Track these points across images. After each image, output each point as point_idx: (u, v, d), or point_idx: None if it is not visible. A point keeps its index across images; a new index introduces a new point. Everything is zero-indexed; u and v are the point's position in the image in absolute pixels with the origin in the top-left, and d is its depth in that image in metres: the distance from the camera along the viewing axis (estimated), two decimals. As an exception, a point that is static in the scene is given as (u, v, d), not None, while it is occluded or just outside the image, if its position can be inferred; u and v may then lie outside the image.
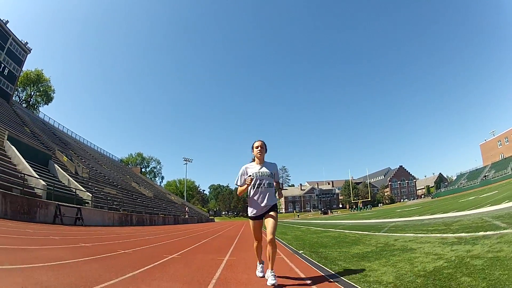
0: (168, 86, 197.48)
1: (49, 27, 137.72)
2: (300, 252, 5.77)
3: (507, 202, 10.37)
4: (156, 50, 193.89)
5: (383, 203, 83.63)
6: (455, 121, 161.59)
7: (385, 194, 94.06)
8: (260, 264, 3.49)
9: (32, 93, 55.74)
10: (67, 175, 20.73)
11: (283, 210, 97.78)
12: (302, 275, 3.55)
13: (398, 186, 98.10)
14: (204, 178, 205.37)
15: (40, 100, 56.45)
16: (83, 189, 19.40)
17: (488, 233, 4.78)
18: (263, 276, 3.31)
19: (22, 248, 4.87)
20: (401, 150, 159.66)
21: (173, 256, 5.17)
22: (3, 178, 13.42)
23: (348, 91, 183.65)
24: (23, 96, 56.65)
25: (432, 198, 70.93)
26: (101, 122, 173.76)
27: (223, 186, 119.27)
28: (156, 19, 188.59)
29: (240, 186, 3.29)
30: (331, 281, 3.16)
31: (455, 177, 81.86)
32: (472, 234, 4.99)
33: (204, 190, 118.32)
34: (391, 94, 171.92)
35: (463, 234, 5.11)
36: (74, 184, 19.73)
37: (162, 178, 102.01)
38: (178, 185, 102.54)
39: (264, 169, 3.25)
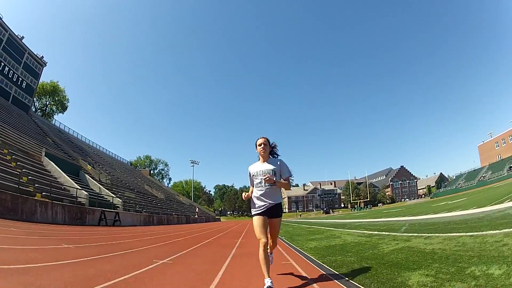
0: (171, 87, 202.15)
1: (52, 30, 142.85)
2: (282, 238, 9.54)
3: (445, 212, 13.97)
4: (159, 51, 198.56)
5: (383, 203, 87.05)
6: (456, 122, 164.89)
7: (386, 194, 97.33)
8: (267, 278, 2.77)
9: (47, 102, 60.03)
10: (98, 184, 24.71)
11: (287, 210, 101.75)
12: (280, 248, 7.24)
13: (399, 186, 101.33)
14: (209, 178, 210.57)
15: (55, 109, 60.70)
16: (114, 196, 23.38)
17: (387, 233, 8.05)
18: None
19: (121, 242, 8.66)
20: (403, 150, 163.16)
21: (208, 240, 9.09)
22: (54, 191, 17.20)
23: (350, 91, 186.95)
24: (38, 105, 60.77)
25: (431, 198, 74.01)
26: (102, 124, 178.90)
27: (228, 186, 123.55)
28: (159, 22, 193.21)
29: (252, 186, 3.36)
30: (288, 247, 6.90)
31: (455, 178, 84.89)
32: (380, 232, 8.43)
33: (210, 191, 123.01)
34: (393, 94, 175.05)
35: (375, 232, 8.70)
36: (105, 191, 23.72)
37: (170, 179, 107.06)
38: (184, 186, 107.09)
39: (265, 167, 3.23)
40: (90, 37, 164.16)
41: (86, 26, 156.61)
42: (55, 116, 61.71)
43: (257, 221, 3.11)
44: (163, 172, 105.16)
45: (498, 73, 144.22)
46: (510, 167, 58.06)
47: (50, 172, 21.26)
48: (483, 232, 5.18)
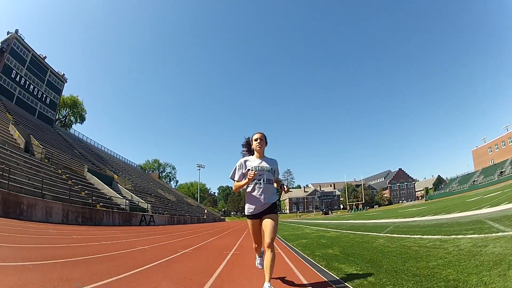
0: (175, 89, 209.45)
1: (54, 32, 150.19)
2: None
3: (400, 218, 20.32)
4: (163, 54, 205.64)
5: (379, 205, 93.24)
6: (455, 125, 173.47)
7: (384, 196, 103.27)
8: (259, 257, 3.71)
9: (66, 113, 66.81)
10: (129, 192, 31.21)
11: (288, 211, 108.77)
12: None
13: (397, 188, 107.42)
14: (213, 179, 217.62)
15: (73, 119, 67.51)
16: (143, 201, 29.92)
17: (327, 229, 14.69)
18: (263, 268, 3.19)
19: (180, 233, 15.19)
20: (402, 153, 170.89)
21: (226, 232, 15.61)
22: (105, 201, 23.46)
23: (351, 94, 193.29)
24: (57, 116, 67.08)
25: (425, 200, 79.52)
26: (105, 126, 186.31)
27: (231, 187, 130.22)
28: (164, 26, 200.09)
29: (237, 181, 3.26)
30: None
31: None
32: (325, 228, 14.97)
33: (214, 192, 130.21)
34: (395, 98, 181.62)
35: (324, 228, 15.18)
36: (136, 198, 30.22)
37: (177, 182, 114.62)
38: (190, 187, 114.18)
39: (264, 164, 3.22)
40: (95, 42, 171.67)
41: (90, 31, 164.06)
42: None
43: (253, 225, 3.28)
44: (170, 175, 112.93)
45: (494, 80, 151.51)
46: (501, 172, 62.23)
47: (93, 185, 27.40)
48: (366, 233, 11.36)
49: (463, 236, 5.95)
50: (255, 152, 3.33)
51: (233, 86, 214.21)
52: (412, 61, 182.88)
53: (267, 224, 3.09)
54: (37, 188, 16.60)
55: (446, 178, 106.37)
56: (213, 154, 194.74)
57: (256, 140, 3.29)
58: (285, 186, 3.43)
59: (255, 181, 3.17)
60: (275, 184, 3.32)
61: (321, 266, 4.60)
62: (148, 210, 28.49)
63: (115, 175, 37.89)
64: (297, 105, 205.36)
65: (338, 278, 3.66)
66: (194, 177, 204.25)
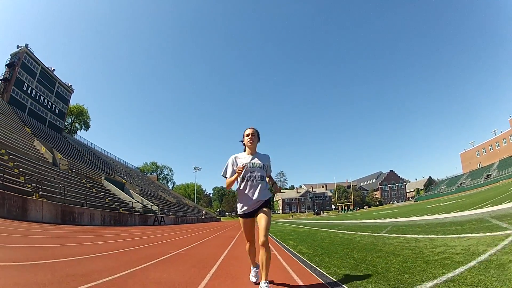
0: (171, 89, 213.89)
1: (53, 31, 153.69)
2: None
3: (362, 219, 25.86)
4: (159, 54, 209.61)
5: (369, 205, 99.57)
6: (447, 128, 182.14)
7: (375, 197, 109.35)
8: (254, 267, 3.49)
9: (71, 120, 71.76)
10: (140, 196, 36.38)
11: (281, 211, 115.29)
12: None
13: (388, 189, 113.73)
14: (207, 180, 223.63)
15: (78, 127, 72.55)
16: (152, 204, 35.17)
17: (302, 225, 20.19)
18: (257, 282, 3.25)
19: (195, 229, 20.58)
20: (394, 155, 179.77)
21: (228, 229, 21.07)
22: (124, 206, 28.62)
23: (343, 95, 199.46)
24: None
25: (414, 201, 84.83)
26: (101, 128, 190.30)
27: (225, 188, 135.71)
28: (162, 26, 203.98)
29: (228, 178, 3.26)
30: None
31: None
32: (301, 226, 20.51)
33: (210, 194, 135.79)
34: (388, 100, 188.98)
35: (301, 225, 20.68)
36: (146, 201, 35.41)
37: (174, 183, 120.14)
38: (186, 189, 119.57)
39: (256, 160, 3.25)
40: (88, 43, 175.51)
41: (87, 31, 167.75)
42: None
43: (244, 224, 3.30)
44: (167, 176, 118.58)
45: (483, 85, 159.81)
46: (488, 175, 67.07)
47: (111, 191, 32.16)
48: (322, 229, 16.86)
49: (361, 233, 10.59)
50: (246, 148, 3.36)
51: (226, 86, 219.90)
52: (404, 64, 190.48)
53: (261, 221, 3.15)
54: (77, 198, 21.14)
55: (437, 179, 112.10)
56: (207, 155, 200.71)
57: (248, 135, 3.31)
58: (277, 185, 3.46)
59: (247, 178, 3.20)
60: (268, 180, 3.34)
61: (280, 241, 10.01)
62: (158, 212, 33.74)
63: (124, 180, 43.01)
64: (292, 106, 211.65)
65: (294, 252, 9.07)
66: (189, 177, 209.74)
